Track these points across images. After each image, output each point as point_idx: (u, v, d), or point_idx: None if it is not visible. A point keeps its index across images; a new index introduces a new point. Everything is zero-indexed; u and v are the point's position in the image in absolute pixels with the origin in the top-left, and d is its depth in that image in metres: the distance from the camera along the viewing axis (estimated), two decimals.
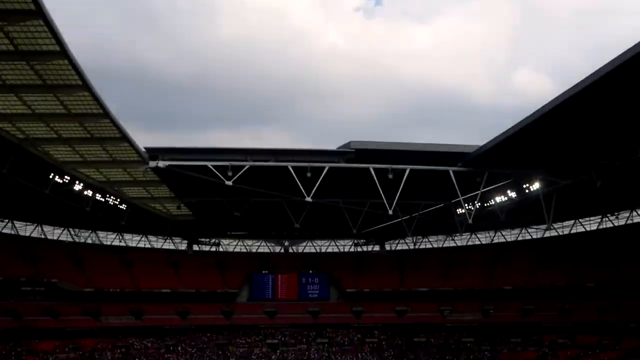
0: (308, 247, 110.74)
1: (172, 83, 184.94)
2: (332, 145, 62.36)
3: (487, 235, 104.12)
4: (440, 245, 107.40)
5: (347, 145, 57.98)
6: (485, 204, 69.45)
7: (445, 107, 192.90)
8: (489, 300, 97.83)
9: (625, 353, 73.02)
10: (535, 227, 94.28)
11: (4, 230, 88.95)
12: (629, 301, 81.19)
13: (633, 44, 35.04)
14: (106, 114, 45.31)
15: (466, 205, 66.42)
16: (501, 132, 52.42)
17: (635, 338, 76.21)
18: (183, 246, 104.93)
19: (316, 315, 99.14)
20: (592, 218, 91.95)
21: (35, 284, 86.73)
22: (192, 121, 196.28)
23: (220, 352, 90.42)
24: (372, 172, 57.78)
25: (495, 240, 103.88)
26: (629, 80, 39.73)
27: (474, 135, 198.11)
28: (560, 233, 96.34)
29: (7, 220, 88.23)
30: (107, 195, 66.43)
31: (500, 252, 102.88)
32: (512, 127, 50.47)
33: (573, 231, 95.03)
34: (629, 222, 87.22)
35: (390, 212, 63.79)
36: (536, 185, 60.04)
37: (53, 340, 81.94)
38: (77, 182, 60.08)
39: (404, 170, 57.64)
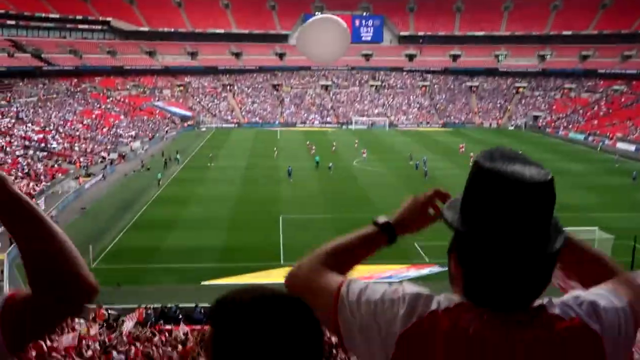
0: None
1: None
2: None
3: None
4: None
5: None
6: None
7: None
8: (547, 44, 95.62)
9: None
10: None
11: None
12: None
13: None
14: None
15: None
16: None
17: None
18: None
19: (369, 58, 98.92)
20: None
21: (90, 22, 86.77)
22: None
23: (274, 92, 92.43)
24: None
25: None
26: None
27: None
28: None
29: None
30: None
31: None
32: None
33: None
34: None
35: None
36: None
37: (114, 77, 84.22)
38: None
39: None
